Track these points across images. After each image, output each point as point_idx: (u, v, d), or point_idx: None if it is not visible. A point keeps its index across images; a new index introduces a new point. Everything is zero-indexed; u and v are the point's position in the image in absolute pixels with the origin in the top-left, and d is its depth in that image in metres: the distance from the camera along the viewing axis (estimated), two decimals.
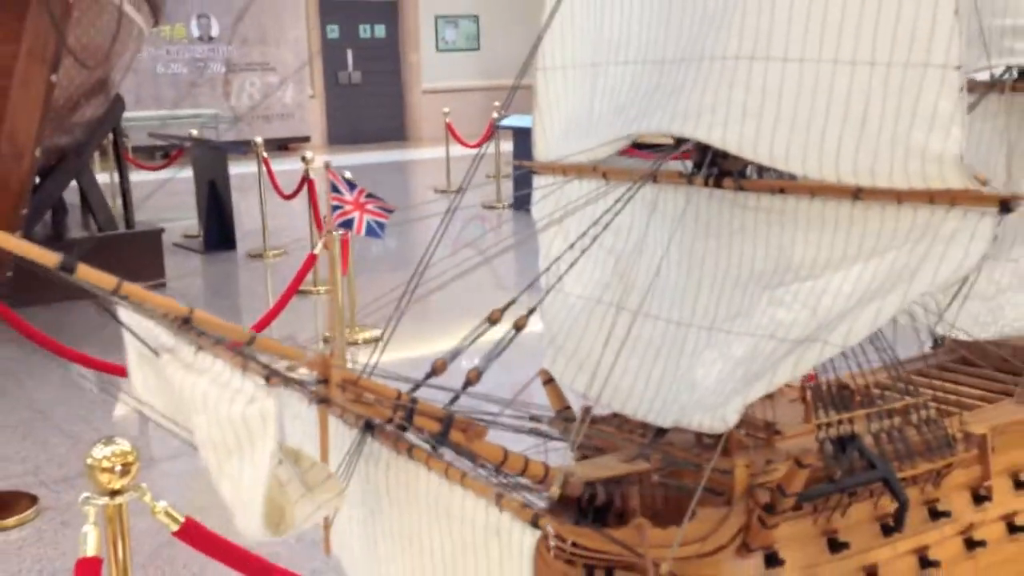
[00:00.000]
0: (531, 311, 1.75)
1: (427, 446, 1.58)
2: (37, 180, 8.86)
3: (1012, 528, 2.10)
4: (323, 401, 1.47)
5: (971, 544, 2.03)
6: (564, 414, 2.11)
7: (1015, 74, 2.35)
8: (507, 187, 12.83)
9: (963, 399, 2.31)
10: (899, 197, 1.66)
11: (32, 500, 4.71)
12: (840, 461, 1.86)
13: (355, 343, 8.71)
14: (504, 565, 1.43)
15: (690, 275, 1.94)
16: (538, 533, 1.40)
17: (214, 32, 25.00)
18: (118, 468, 2.51)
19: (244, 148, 14.63)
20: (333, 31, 26.45)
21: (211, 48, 25.11)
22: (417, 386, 1.60)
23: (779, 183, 1.80)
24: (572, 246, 1.90)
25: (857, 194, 1.71)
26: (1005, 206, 1.57)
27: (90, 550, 2.60)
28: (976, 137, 2.45)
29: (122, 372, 5.44)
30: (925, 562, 1.96)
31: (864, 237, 1.72)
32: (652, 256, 2.01)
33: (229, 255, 13.87)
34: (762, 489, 1.77)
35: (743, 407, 1.74)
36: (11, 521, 4.55)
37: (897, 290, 1.64)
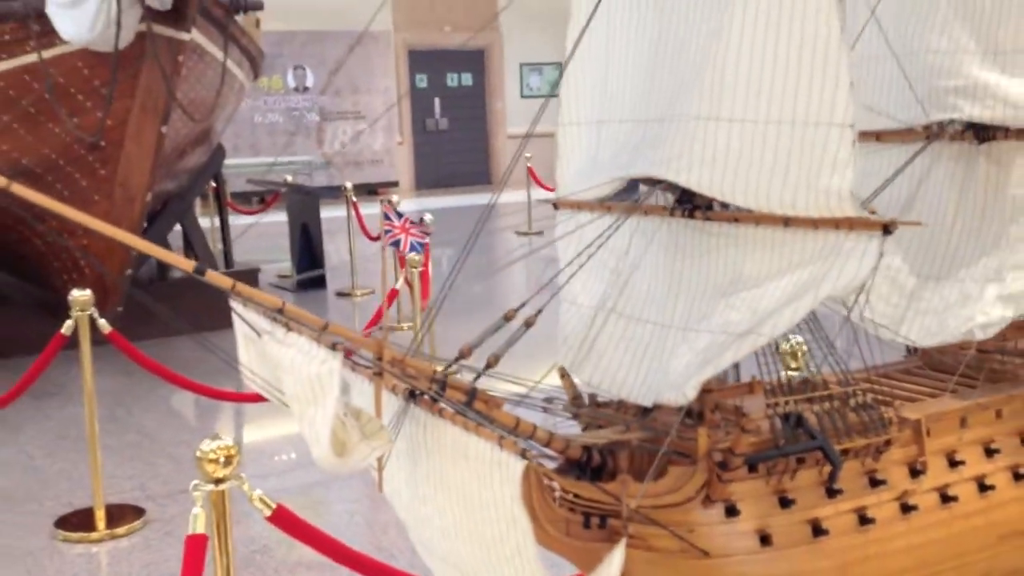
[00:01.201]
0: (538, 312, 2.30)
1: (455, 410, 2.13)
2: (145, 223, 9.68)
3: (944, 498, 2.55)
4: (377, 374, 2.04)
5: (905, 508, 2.48)
6: (576, 400, 2.64)
7: (958, 126, 2.82)
8: None
9: (913, 394, 2.77)
10: (815, 224, 2.18)
11: (139, 512, 5.36)
12: (785, 433, 2.35)
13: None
14: (503, 488, 1.97)
15: (670, 287, 2.46)
16: (524, 462, 1.94)
17: (309, 83, 26.21)
18: (222, 459, 3.07)
19: (335, 193, 15.48)
20: (422, 80, 27.44)
21: (306, 98, 26.32)
22: (448, 366, 2.16)
23: (734, 214, 2.32)
24: (570, 263, 2.44)
25: (787, 222, 2.22)
26: (887, 229, 2.08)
27: (199, 528, 3.16)
28: (931, 177, 2.93)
29: (220, 396, 6.09)
30: (863, 519, 2.43)
31: (792, 254, 2.23)
32: (642, 272, 2.54)
33: (320, 294, 14.65)
34: (717, 452, 2.27)
35: (699, 384, 2.25)
36: (121, 530, 5.21)
37: (809, 294, 2.15)
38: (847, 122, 2.10)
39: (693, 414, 2.47)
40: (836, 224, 2.15)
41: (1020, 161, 2.76)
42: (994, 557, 2.64)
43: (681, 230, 2.45)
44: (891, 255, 2.97)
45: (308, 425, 1.93)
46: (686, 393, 2.27)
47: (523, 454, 1.96)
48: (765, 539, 2.34)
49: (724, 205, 2.42)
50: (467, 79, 26.40)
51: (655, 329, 2.47)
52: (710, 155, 2.26)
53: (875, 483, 2.48)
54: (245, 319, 1.96)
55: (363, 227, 14.28)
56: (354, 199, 14.44)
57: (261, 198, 19.23)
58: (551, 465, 2.35)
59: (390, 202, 10.33)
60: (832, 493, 2.42)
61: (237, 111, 24.25)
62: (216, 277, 1.88)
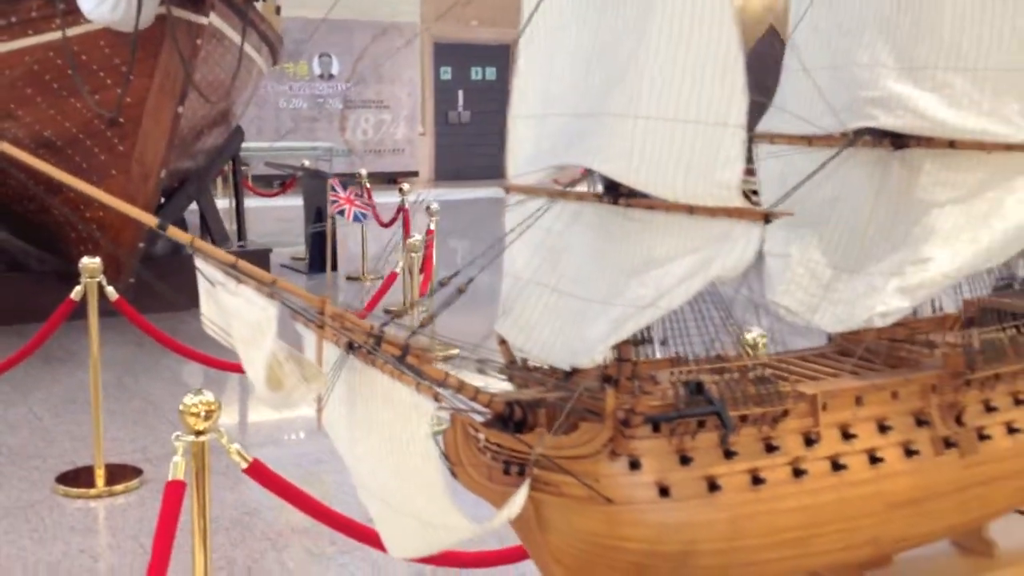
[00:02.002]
0: (470, 280, 2.60)
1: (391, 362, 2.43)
2: (162, 200, 10.03)
3: (835, 466, 2.83)
4: (320, 327, 2.35)
5: (797, 472, 2.77)
6: (511, 363, 2.94)
7: (877, 134, 3.10)
8: None
9: (820, 374, 3.06)
10: (712, 212, 2.47)
11: (137, 472, 5.69)
12: (686, 398, 2.64)
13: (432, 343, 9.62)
14: (419, 426, 2.28)
15: (595, 265, 2.76)
16: (435, 404, 2.25)
17: (334, 70, 26.52)
18: (203, 413, 3.37)
19: (350, 180, 15.80)
20: (446, 72, 27.70)
21: (331, 85, 26.64)
22: (384, 324, 2.46)
23: (650, 202, 2.61)
24: (498, 240, 2.75)
25: (691, 210, 2.52)
26: (767, 218, 2.37)
27: (179, 475, 3.45)
28: (853, 179, 3.22)
29: (227, 367, 6.40)
30: (756, 479, 2.72)
31: (694, 239, 2.52)
32: (574, 252, 2.84)
33: (330, 277, 14.91)
34: (622, 411, 2.57)
35: (606, 349, 2.56)
36: (119, 488, 5.54)
37: (700, 274, 2.45)
38: (739, 123, 2.40)
39: (611, 380, 2.76)
40: (728, 213, 2.45)
41: (928, 168, 3.03)
42: (881, 524, 2.92)
43: (607, 215, 2.74)
44: (812, 249, 3.26)
45: (250, 365, 2.25)
46: (594, 357, 2.57)
47: (435, 397, 2.27)
48: (664, 491, 2.63)
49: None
50: (491, 73, 26.70)
51: (581, 303, 2.76)
52: (627, 148, 2.56)
53: (770, 448, 2.76)
54: (204, 272, 2.28)
55: (375, 214, 14.59)
56: (368, 185, 14.78)
57: (282, 181, 19.59)
58: (480, 418, 2.66)
59: (359, 183, 10.90)
60: (729, 454, 2.71)
61: (262, 95, 24.58)
62: (176, 232, 2.19)
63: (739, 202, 2.44)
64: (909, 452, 2.94)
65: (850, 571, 3.11)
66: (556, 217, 2.89)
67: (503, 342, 2.96)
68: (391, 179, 24.23)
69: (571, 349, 2.69)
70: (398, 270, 8.48)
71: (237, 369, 6.73)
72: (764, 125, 3.43)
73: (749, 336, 5.34)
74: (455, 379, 2.50)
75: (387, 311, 2.74)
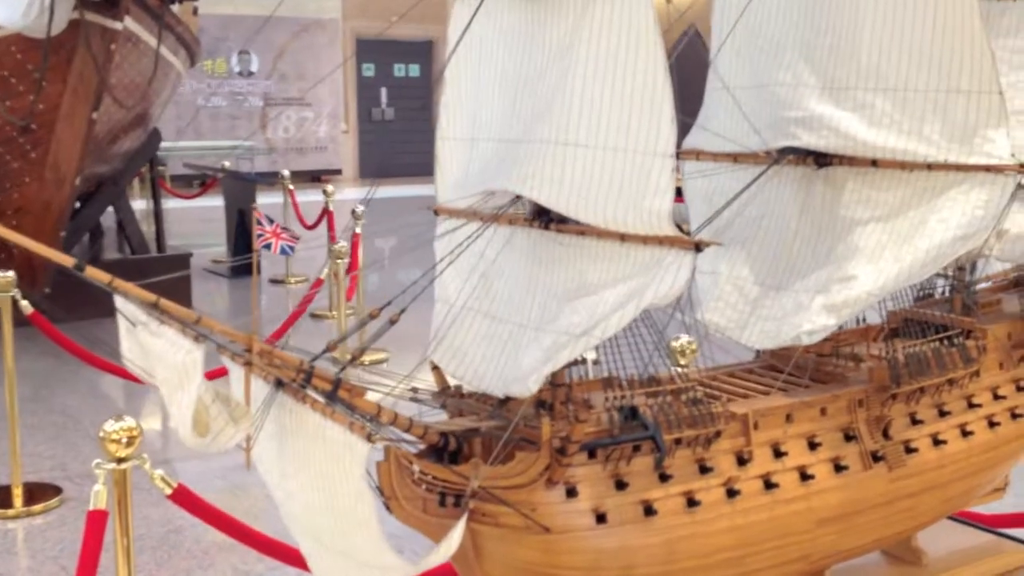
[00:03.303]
0: (402, 311, 2.56)
1: (321, 399, 2.39)
2: (77, 205, 9.76)
3: (767, 485, 2.86)
4: (247, 364, 2.30)
5: (731, 493, 2.79)
6: (446, 392, 2.91)
7: (801, 152, 3.14)
8: None
9: (750, 392, 3.08)
10: (644, 240, 2.47)
11: (57, 491, 5.53)
12: (620, 424, 2.64)
13: (362, 363, 9.54)
14: (352, 466, 2.24)
15: (528, 291, 2.74)
16: (369, 445, 2.21)
17: (254, 68, 26.09)
18: (124, 440, 3.28)
19: (271, 179, 15.56)
20: (369, 69, 27.43)
21: (251, 83, 26.20)
22: (315, 358, 2.41)
23: (581, 228, 2.60)
24: (440, 264, 2.72)
25: (623, 237, 2.52)
26: (698, 247, 2.39)
27: (100, 504, 3.36)
28: (779, 197, 3.25)
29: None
30: (691, 502, 2.73)
31: (626, 266, 2.52)
32: (506, 277, 2.82)
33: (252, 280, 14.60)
34: (557, 439, 2.56)
35: (541, 379, 2.54)
36: (37, 508, 5.38)
37: (634, 301, 2.45)
38: (668, 152, 2.41)
39: (546, 405, 2.75)
40: (660, 241, 2.45)
41: (851, 186, 3.07)
42: (813, 540, 2.96)
43: (539, 240, 2.73)
44: (740, 266, 3.29)
45: (176, 408, 2.19)
46: (529, 387, 2.56)
47: (368, 437, 2.23)
48: (600, 517, 2.63)
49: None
50: (414, 70, 26.53)
51: (513, 328, 2.74)
52: (559, 175, 2.54)
53: (704, 470, 2.78)
54: (124, 312, 2.20)
55: (298, 214, 14.39)
56: (291, 186, 14.56)
57: (202, 182, 19.21)
58: (416, 449, 2.63)
59: (281, 183, 10.69)
60: (664, 478, 2.72)
61: (180, 93, 24.01)
62: (95, 273, 2.11)
63: (670, 230, 2.44)
64: (838, 468, 2.99)
65: None
66: (488, 242, 2.87)
67: (435, 368, 2.93)
68: (315, 177, 23.96)
69: (505, 376, 2.67)
70: (322, 277, 8.38)
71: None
72: (690, 142, 3.45)
73: (676, 344, 5.41)
74: (388, 411, 2.46)
75: (313, 315, 2.69)
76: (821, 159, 3.13)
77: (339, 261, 8.24)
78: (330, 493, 2.28)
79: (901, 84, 2.95)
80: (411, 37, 25.91)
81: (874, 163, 3.03)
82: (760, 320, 3.17)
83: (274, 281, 14.30)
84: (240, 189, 14.88)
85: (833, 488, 2.97)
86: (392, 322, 2.57)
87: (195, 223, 17.56)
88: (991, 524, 4.63)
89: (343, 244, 8.41)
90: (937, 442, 3.17)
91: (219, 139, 24.28)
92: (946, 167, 2.92)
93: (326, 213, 12.93)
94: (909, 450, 3.11)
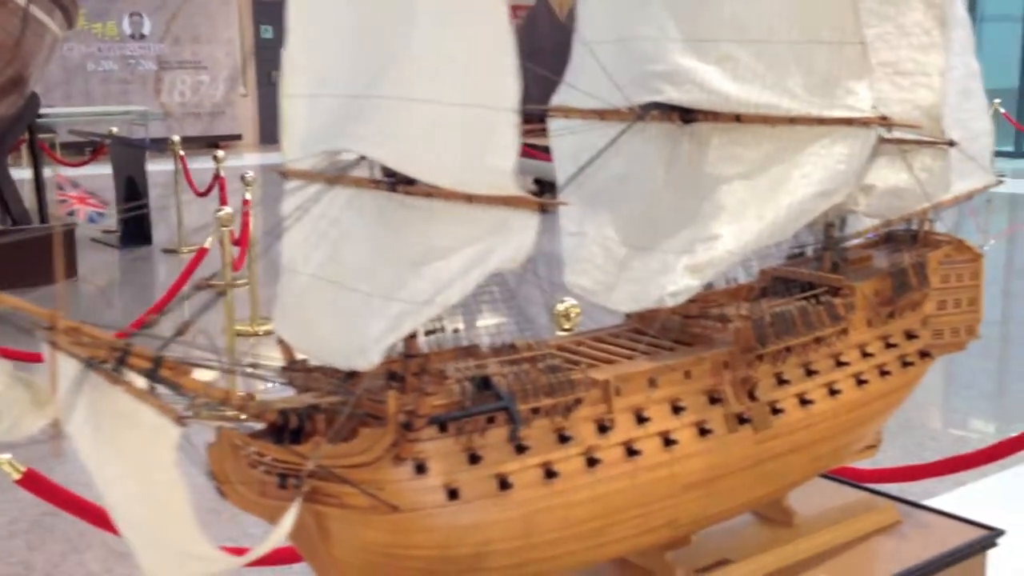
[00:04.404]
0: (212, 276, 2.39)
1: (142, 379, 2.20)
2: None
3: (630, 452, 2.77)
4: (51, 343, 2.09)
5: (591, 462, 2.69)
6: (294, 366, 2.74)
7: (666, 108, 3.02)
8: None
9: (613, 357, 2.99)
10: (490, 201, 2.33)
11: None
12: (472, 394, 2.52)
13: (256, 335, 9.28)
14: (165, 452, 2.07)
15: (376, 256, 2.58)
16: (179, 429, 2.05)
17: (146, 30, 25.19)
18: None
19: (162, 146, 15.04)
20: (267, 31, 26.71)
21: (143, 46, 25.29)
22: (131, 335, 2.22)
23: (428, 189, 2.45)
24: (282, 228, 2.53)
25: (470, 198, 2.37)
26: (542, 208, 2.26)
27: None
28: (644, 155, 3.14)
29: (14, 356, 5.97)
30: (549, 473, 2.62)
31: (473, 229, 2.38)
32: (354, 242, 2.65)
33: (145, 251, 14.25)
34: (403, 413, 2.42)
35: (383, 350, 2.40)
36: None
37: (478, 267, 2.32)
38: (512, 107, 2.27)
39: (397, 377, 2.61)
40: (505, 201, 2.32)
41: (715, 142, 2.98)
42: (678, 506, 2.89)
43: (386, 203, 2.57)
44: (607, 227, 3.17)
45: None
46: (371, 359, 2.41)
47: (179, 420, 2.06)
48: (453, 493, 2.51)
49: None
50: None
51: (362, 297, 2.58)
52: (401, 132, 2.39)
53: (564, 439, 2.67)
54: None
55: (190, 181, 13.94)
56: (181, 152, 14.09)
57: (93, 150, 18.50)
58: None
59: (171, 149, 10.38)
60: (521, 449, 2.61)
61: (68, 58, 23.16)
62: None
63: (514, 190, 2.31)
64: (703, 431, 2.92)
65: (652, 553, 3.09)
66: (335, 205, 2.70)
67: (282, 341, 2.76)
68: (213, 143, 23.31)
69: (351, 348, 2.52)
70: (208, 245, 8.09)
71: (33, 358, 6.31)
72: (559, 99, 3.31)
73: (561, 307, 5.30)
74: (218, 390, 2.29)
75: (198, 287, 2.50)
76: (687, 115, 3.03)
77: (224, 229, 7.96)
78: (146, 482, 2.11)
79: (764, 35, 2.86)
80: None
81: (738, 118, 2.93)
82: (627, 282, 3.07)
83: (167, 251, 13.87)
84: (129, 156, 14.37)
85: (698, 453, 2.89)
86: (221, 294, 2.39)
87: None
88: (873, 479, 4.67)
89: (228, 210, 8.13)
90: (804, 402, 3.12)
91: (111, 104, 23.45)
92: (808, 121, 2.84)
93: (217, 179, 12.54)
94: (776, 411, 3.06)
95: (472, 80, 2.29)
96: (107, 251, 13.73)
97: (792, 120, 2.87)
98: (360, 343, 2.47)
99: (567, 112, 3.28)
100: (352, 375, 2.61)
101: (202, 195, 13.39)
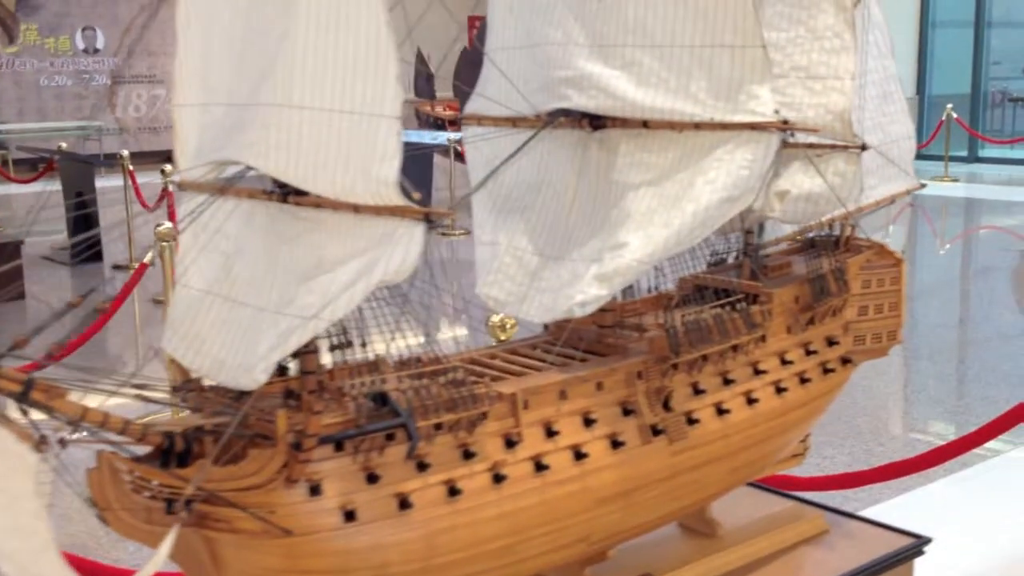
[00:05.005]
0: (86, 295, 2.30)
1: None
2: None
3: (538, 467, 2.70)
4: None
5: (497, 478, 2.62)
6: (187, 385, 2.65)
7: (576, 115, 2.97)
8: None
9: (525, 369, 2.92)
10: (377, 211, 2.26)
11: None
12: (369, 411, 2.44)
13: None
14: (25, 481, 1.97)
15: (268, 270, 2.50)
16: (37, 454, 1.95)
17: (100, 44, 24.91)
18: None
19: (112, 161, 14.85)
20: None
21: (97, 60, 25.00)
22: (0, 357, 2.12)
23: (317, 200, 2.37)
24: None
25: (356, 209, 2.30)
26: (428, 218, 2.19)
27: None
28: (556, 162, 3.08)
29: None
30: (452, 491, 2.55)
31: (360, 241, 2.31)
32: (246, 256, 2.57)
33: (96, 267, 14.04)
34: (293, 433, 2.33)
35: (269, 368, 2.31)
36: None
37: (363, 279, 2.24)
38: (394, 114, 2.20)
39: (294, 395, 2.52)
40: (391, 211, 2.25)
41: (624, 149, 2.92)
42: (591, 521, 2.82)
43: (278, 214, 2.49)
44: (520, 236, 3.11)
45: None
46: (256, 378, 2.32)
47: (39, 447, 1.97)
48: (350, 515, 2.42)
49: None
50: None
51: (254, 313, 2.50)
52: (284, 141, 2.31)
53: (468, 455, 2.60)
54: None
55: (139, 196, 13.78)
56: (130, 167, 13.92)
57: (45, 165, 18.24)
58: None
59: (121, 164, 10.11)
60: (422, 467, 2.53)
61: (20, 73, 22.79)
62: None
63: (397, 200, 2.24)
64: (616, 444, 2.85)
65: (569, 569, 3.01)
66: (229, 217, 2.61)
67: (173, 360, 2.67)
68: (169, 157, 23.05)
69: (238, 366, 2.43)
70: (147, 261, 7.96)
71: None
72: (472, 107, 3.25)
73: (496, 318, 5.22)
74: (97, 413, 2.20)
75: (156, 301, 2.40)
76: (596, 121, 2.97)
77: (164, 244, 7.82)
78: (13, 512, 2.01)
79: (667, 40, 2.81)
80: None
81: (645, 124, 2.88)
82: (538, 292, 3.00)
83: (117, 267, 13.70)
84: (77, 172, 14.19)
85: (610, 466, 2.83)
86: (98, 311, 2.30)
87: (38, 209, 16.75)
88: (812, 487, 4.63)
89: (168, 226, 8.00)
90: (721, 411, 3.06)
91: (65, 120, 23.18)
92: (712, 126, 2.79)
93: (166, 194, 12.40)
94: (691, 421, 3.00)
95: (352, 86, 2.23)
96: (58, 268, 13.54)
97: (697, 125, 2.81)
98: (246, 361, 2.38)
99: (480, 119, 3.22)
100: (245, 394, 2.52)
101: (151, 210, 13.23)
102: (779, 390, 3.21)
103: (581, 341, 3.10)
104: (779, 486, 4.10)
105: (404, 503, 2.48)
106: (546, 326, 3.29)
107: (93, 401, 2.26)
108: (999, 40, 22.01)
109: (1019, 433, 5.87)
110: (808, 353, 3.33)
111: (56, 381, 2.18)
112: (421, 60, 19.05)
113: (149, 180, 14.88)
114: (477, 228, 3.22)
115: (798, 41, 3.18)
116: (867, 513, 4.92)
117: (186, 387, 2.62)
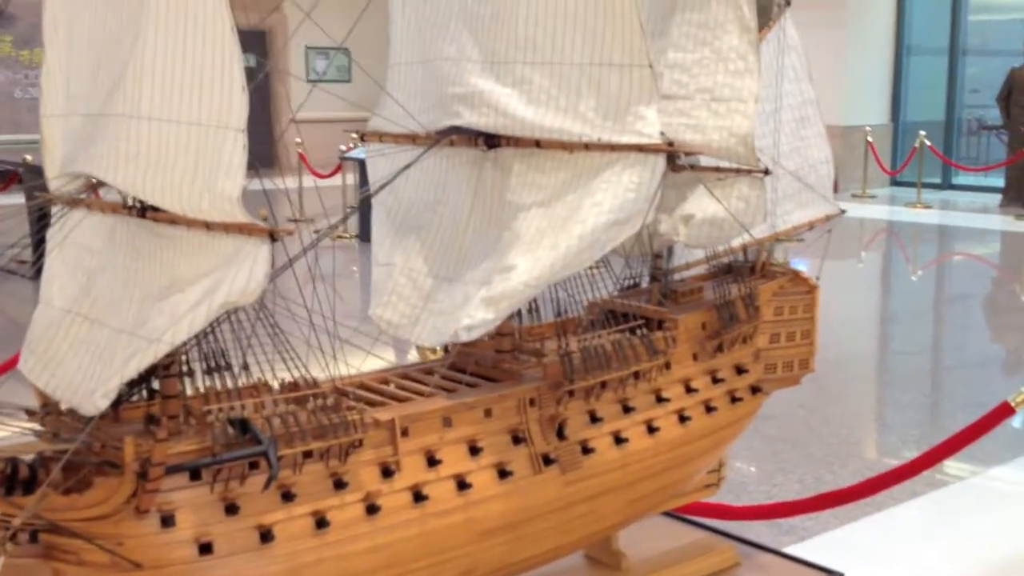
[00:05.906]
0: None
1: None
2: None
3: (417, 497, 2.59)
4: None
5: (371, 509, 2.50)
6: (45, 409, 2.53)
7: (471, 133, 2.87)
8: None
9: (411, 394, 2.81)
10: (226, 228, 2.16)
11: None
12: (225, 439, 2.32)
13: None
14: None
15: (127, 288, 2.39)
16: None
17: None
18: None
19: None
20: None
21: None
22: None
23: (169, 216, 2.27)
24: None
25: (208, 226, 2.19)
26: (272, 236, 2.08)
27: None
28: (453, 181, 2.99)
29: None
30: (320, 523, 2.43)
31: (211, 258, 2.21)
32: (107, 273, 2.46)
33: None
34: (139, 461, 2.22)
35: (109, 393, 2.20)
36: None
37: (206, 301, 2.14)
38: (240, 127, 2.10)
39: (154, 420, 2.41)
40: (240, 229, 2.14)
41: (517, 168, 2.82)
42: (475, 554, 2.70)
43: (137, 230, 2.38)
44: (415, 257, 3.01)
45: None
46: (96, 404, 2.21)
47: None
48: (205, 547, 2.31)
49: None
50: (249, 60, 25.66)
51: (111, 334, 2.39)
52: (133, 152, 2.22)
53: (340, 485, 2.49)
54: None
55: None
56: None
57: (9, 177, 18.05)
58: None
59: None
60: (288, 497, 2.42)
61: None
62: None
63: (241, 216, 2.13)
64: (503, 473, 2.74)
65: None
66: (94, 233, 2.51)
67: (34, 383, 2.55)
68: None
69: (83, 390, 2.32)
70: None
71: None
72: (373, 124, 3.16)
73: None
74: None
75: None
76: (491, 140, 2.88)
77: None
78: None
79: (557, 57, 2.72)
80: (245, 27, 25.04)
81: (538, 144, 2.79)
82: (431, 315, 2.90)
83: None
84: (41, 184, 13.99)
85: (496, 496, 2.72)
86: None
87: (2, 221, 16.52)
88: (734, 516, 4.51)
89: None
90: (619, 440, 2.96)
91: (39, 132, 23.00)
92: (601, 147, 2.70)
93: None
94: (587, 450, 2.89)
95: (199, 96, 2.13)
96: (20, 282, 13.34)
97: (587, 146, 2.72)
98: (90, 385, 2.27)
99: (381, 136, 3.12)
100: (102, 418, 2.41)
101: None
102: (683, 419, 3.11)
103: (478, 366, 2.99)
104: (710, 515, 3.98)
105: (266, 535, 2.37)
106: (446, 348, 3.19)
107: None
108: (977, 68, 22.07)
109: (983, 457, 5.78)
110: (715, 381, 3.24)
111: None
112: None
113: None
114: (375, 247, 3.12)
115: (704, 62, 3.10)
116: (805, 545, 4.81)
117: (44, 411, 2.50)
